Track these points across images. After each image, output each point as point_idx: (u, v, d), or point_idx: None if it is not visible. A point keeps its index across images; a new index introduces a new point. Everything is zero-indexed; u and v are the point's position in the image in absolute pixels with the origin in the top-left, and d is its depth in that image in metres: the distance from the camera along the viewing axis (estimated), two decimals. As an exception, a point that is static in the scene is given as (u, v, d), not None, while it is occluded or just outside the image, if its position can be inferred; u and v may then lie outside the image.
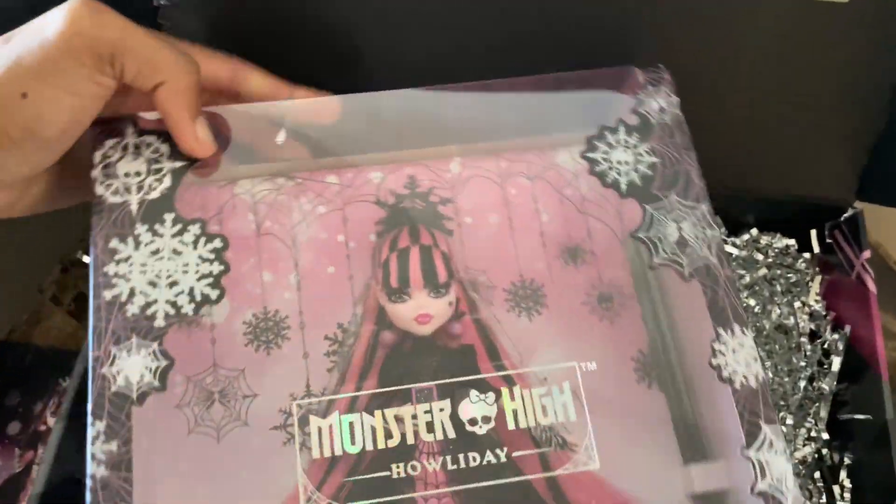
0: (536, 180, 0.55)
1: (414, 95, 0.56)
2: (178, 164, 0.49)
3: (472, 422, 0.44)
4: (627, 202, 0.53)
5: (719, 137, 0.65)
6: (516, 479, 0.43)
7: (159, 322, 0.44)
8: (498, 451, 0.44)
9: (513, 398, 0.45)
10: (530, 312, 0.51)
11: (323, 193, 0.53)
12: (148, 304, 0.44)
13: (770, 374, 0.54)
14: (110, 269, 0.45)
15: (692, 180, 0.53)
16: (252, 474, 0.45)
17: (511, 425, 0.45)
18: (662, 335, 0.49)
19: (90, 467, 0.40)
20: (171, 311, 0.44)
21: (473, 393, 0.44)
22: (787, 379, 0.53)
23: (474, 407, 0.44)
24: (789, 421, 0.51)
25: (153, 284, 0.43)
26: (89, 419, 0.41)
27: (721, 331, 0.46)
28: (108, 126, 0.51)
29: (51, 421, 0.59)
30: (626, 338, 0.51)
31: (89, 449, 0.40)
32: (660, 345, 0.50)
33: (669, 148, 0.55)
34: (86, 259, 0.50)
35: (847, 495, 0.57)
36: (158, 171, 0.48)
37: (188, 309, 0.45)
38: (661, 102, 0.57)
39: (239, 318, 0.49)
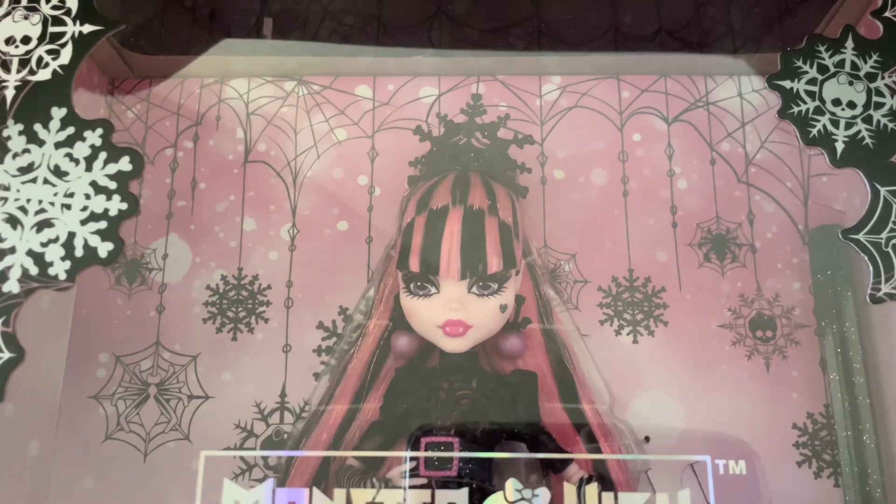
0: (677, 123, 0.36)
1: None
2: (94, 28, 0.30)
3: None
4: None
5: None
6: None
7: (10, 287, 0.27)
8: None
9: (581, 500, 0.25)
10: (637, 330, 0.32)
11: (346, 111, 0.36)
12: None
13: None
14: None
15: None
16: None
17: None
18: (852, 385, 0.29)
19: None
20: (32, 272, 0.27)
21: (513, 485, 0.25)
22: None
23: None
24: None
25: (13, 223, 0.26)
26: None
27: None
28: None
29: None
30: (788, 394, 0.31)
31: None
32: (848, 403, 0.30)
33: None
34: None
35: None
36: (58, 37, 0.28)
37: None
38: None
39: (201, 280, 0.34)
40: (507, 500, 0.23)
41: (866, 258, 0.25)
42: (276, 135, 0.36)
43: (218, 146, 0.36)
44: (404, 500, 0.25)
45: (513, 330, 0.29)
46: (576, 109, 0.36)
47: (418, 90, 0.36)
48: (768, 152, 0.35)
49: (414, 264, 0.27)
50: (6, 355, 0.23)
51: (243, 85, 0.36)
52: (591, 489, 0.25)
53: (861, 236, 0.25)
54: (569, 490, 0.25)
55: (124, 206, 0.24)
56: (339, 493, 0.25)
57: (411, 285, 0.28)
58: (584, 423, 0.28)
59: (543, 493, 0.23)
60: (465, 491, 0.24)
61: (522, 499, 0.23)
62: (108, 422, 0.32)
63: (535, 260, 0.32)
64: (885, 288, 0.24)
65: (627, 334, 0.33)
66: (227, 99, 0.36)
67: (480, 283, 0.27)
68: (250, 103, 0.36)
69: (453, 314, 0.27)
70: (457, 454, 0.26)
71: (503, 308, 0.28)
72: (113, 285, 0.34)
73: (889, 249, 0.25)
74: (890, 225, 0.25)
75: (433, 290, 0.28)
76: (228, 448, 0.32)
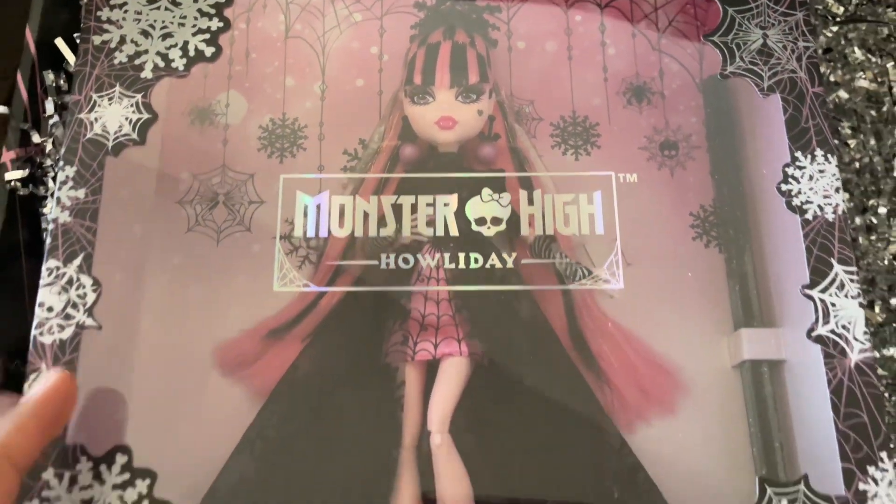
0: (608, 8, 0.48)
1: None
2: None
3: (480, 221, 0.38)
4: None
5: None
6: (521, 287, 0.37)
7: (146, 74, 0.40)
8: (505, 255, 0.38)
9: (531, 202, 0.39)
10: (578, 151, 0.44)
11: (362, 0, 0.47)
12: (137, 54, 0.40)
13: (856, 155, 0.42)
14: (104, 13, 0.41)
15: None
16: (249, 278, 0.41)
17: (525, 230, 0.38)
18: (731, 186, 0.41)
19: (53, 212, 0.37)
20: (161, 64, 0.40)
21: (486, 191, 0.38)
22: (877, 158, 0.42)
23: (485, 206, 0.38)
24: (882, 210, 0.41)
25: (145, 34, 0.39)
26: (60, 164, 0.37)
27: (799, 154, 0.38)
28: None
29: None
30: (687, 192, 0.43)
31: (56, 193, 0.36)
32: (727, 198, 0.42)
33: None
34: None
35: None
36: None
37: (179, 64, 0.41)
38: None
39: (255, 122, 0.45)
40: (482, 201, 0.35)
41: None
42: (309, 18, 0.48)
43: (264, 26, 0.47)
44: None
45: (487, 141, 0.41)
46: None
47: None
48: (674, 28, 0.47)
49: (417, 79, 0.39)
50: (144, 115, 0.34)
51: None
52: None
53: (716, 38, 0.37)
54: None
55: (221, 24, 0.36)
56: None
57: (415, 97, 0.40)
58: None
59: (506, 196, 0.35)
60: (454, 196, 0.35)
61: (492, 199, 0.35)
62: (188, 220, 0.44)
63: (504, 101, 0.44)
64: (729, 68, 0.35)
65: (571, 154, 0.45)
66: (271, -7, 0.48)
67: (464, 93, 0.39)
68: (289, -5, 0.48)
69: (445, 112, 0.39)
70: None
71: (480, 113, 0.40)
72: (189, 125, 0.45)
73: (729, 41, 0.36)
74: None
75: (430, 99, 0.39)
76: (282, 237, 0.43)
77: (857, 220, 0.43)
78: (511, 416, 0.36)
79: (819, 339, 0.34)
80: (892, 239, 0.42)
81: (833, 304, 0.35)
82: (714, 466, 0.37)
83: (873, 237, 0.43)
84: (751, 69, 0.41)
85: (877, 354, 0.37)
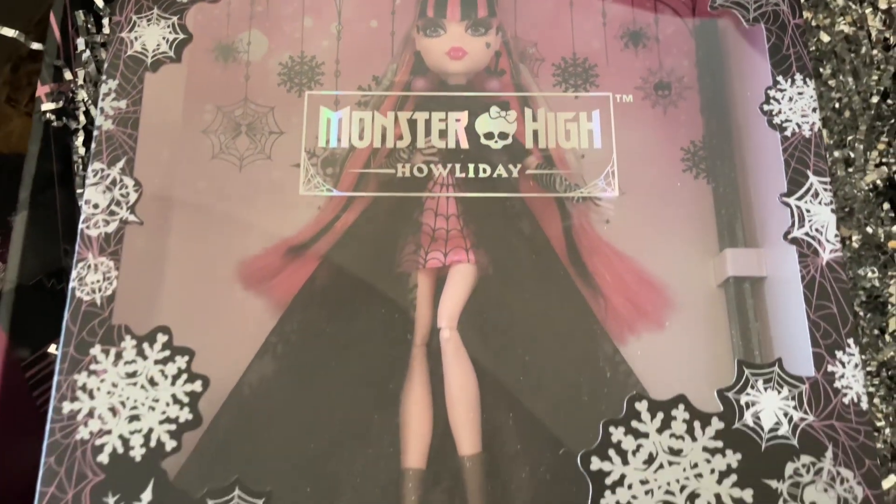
0: (606, -43, 0.51)
1: None
2: None
3: (489, 136, 0.41)
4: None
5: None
6: (526, 195, 0.41)
7: None
8: (510, 166, 0.41)
9: (535, 119, 0.42)
10: (577, 90, 0.47)
11: (377, -55, 0.50)
12: None
13: (836, 95, 0.45)
14: None
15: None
16: (270, 200, 0.44)
17: (529, 144, 0.42)
18: (719, 121, 0.45)
19: (98, 120, 0.40)
20: None
21: (494, 109, 0.41)
22: (856, 98, 0.45)
23: (493, 122, 0.42)
24: (859, 145, 0.44)
25: None
26: (103, 77, 0.40)
27: (780, 78, 0.41)
28: None
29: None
30: (679, 128, 0.47)
31: (99, 104, 0.40)
32: (715, 133, 0.46)
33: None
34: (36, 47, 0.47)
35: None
36: None
37: None
38: None
39: (275, 59, 0.48)
40: (490, 118, 0.38)
41: None
42: (326, -36, 0.51)
43: (285, -30, 0.50)
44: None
45: (494, 75, 0.45)
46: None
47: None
48: (669, -24, 0.51)
49: (430, 12, 0.43)
50: (181, 35, 0.37)
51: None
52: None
53: None
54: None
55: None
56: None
57: (427, 30, 0.43)
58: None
59: (512, 113, 0.38)
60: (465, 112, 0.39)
61: (500, 116, 0.38)
62: (213, 147, 0.47)
63: (510, 41, 0.47)
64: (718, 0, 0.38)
65: (572, 92, 0.48)
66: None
67: (473, 26, 0.43)
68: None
69: (456, 43, 0.42)
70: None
71: (488, 45, 0.43)
72: (213, 61, 0.48)
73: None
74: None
75: (441, 31, 0.43)
76: (297, 164, 0.46)
77: (836, 154, 0.47)
78: (512, 318, 0.39)
79: (794, 241, 0.38)
80: (867, 171, 0.45)
81: (808, 210, 0.38)
82: (698, 378, 0.40)
83: (850, 169, 0.46)
84: (738, 2, 0.44)
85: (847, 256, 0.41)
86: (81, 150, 0.50)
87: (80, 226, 0.37)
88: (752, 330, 0.39)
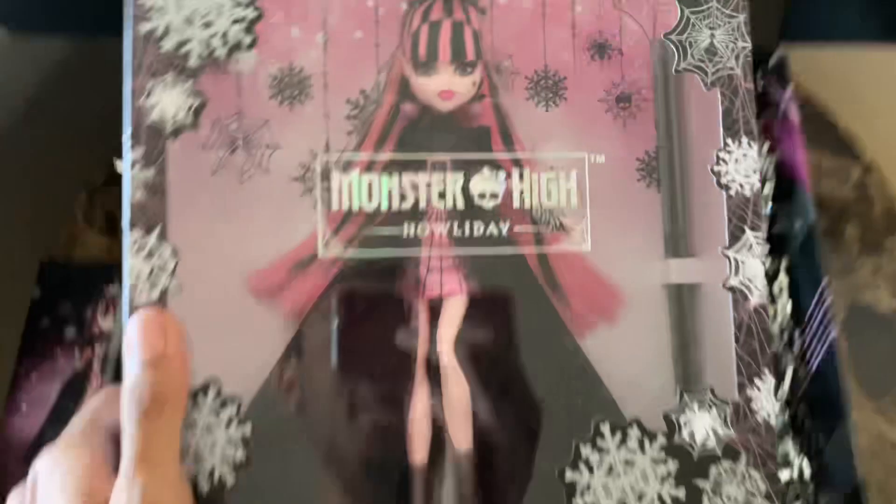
0: (576, -33, 0.53)
1: None
2: None
3: (481, 196, 0.47)
4: (665, 2, 0.52)
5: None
6: (512, 250, 0.48)
7: (193, 62, 0.45)
8: (501, 224, 0.48)
9: (521, 180, 0.48)
10: (548, 103, 0.52)
11: (358, -42, 0.51)
12: (182, 43, 0.45)
13: None
14: (147, 1, 0.45)
15: (736, -11, 0.52)
16: (271, 218, 0.49)
17: (516, 204, 0.48)
18: (671, 139, 0.51)
19: (128, 192, 0.43)
20: (205, 53, 0.45)
21: (486, 170, 0.47)
22: None
23: (485, 183, 0.47)
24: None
25: (189, 22, 0.44)
26: (127, 145, 0.43)
27: (729, 141, 0.48)
28: None
29: (101, 322, 0.66)
30: (636, 138, 0.52)
31: (126, 175, 0.43)
32: (667, 149, 0.52)
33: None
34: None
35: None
36: None
37: (221, 52, 0.46)
38: None
39: (265, 71, 0.50)
40: (483, 178, 0.44)
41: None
42: (308, -32, 0.51)
43: (267, -24, 0.51)
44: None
45: (476, 101, 0.49)
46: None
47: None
48: (634, -12, 0.54)
49: (423, 55, 0.46)
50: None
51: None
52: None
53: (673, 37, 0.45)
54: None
55: (256, 13, 0.41)
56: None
57: (418, 70, 0.47)
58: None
59: (502, 173, 0.44)
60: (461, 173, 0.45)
61: (491, 177, 0.44)
62: (212, 164, 0.50)
63: (489, 60, 0.51)
64: (682, 65, 0.44)
65: (542, 105, 0.53)
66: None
67: (461, 67, 0.47)
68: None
69: (446, 86, 0.47)
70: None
71: (474, 83, 0.47)
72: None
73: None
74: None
75: (433, 73, 0.47)
76: (296, 179, 0.50)
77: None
78: (492, 333, 0.47)
79: (731, 289, 0.47)
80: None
81: (743, 262, 0.47)
82: (643, 370, 0.49)
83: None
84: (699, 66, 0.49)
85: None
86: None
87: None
88: (688, 337, 0.48)
